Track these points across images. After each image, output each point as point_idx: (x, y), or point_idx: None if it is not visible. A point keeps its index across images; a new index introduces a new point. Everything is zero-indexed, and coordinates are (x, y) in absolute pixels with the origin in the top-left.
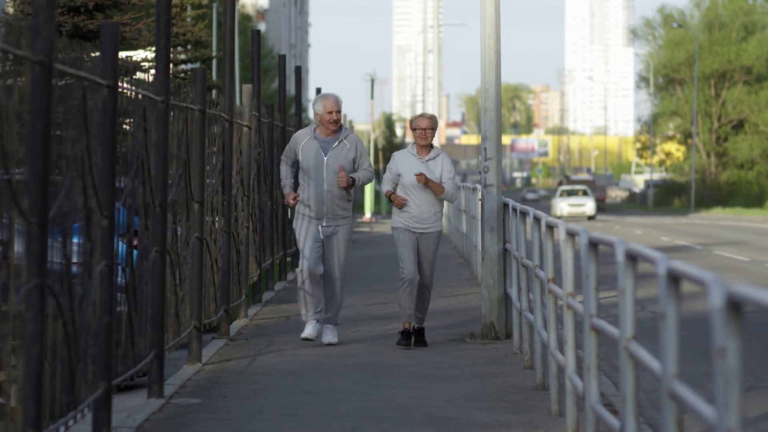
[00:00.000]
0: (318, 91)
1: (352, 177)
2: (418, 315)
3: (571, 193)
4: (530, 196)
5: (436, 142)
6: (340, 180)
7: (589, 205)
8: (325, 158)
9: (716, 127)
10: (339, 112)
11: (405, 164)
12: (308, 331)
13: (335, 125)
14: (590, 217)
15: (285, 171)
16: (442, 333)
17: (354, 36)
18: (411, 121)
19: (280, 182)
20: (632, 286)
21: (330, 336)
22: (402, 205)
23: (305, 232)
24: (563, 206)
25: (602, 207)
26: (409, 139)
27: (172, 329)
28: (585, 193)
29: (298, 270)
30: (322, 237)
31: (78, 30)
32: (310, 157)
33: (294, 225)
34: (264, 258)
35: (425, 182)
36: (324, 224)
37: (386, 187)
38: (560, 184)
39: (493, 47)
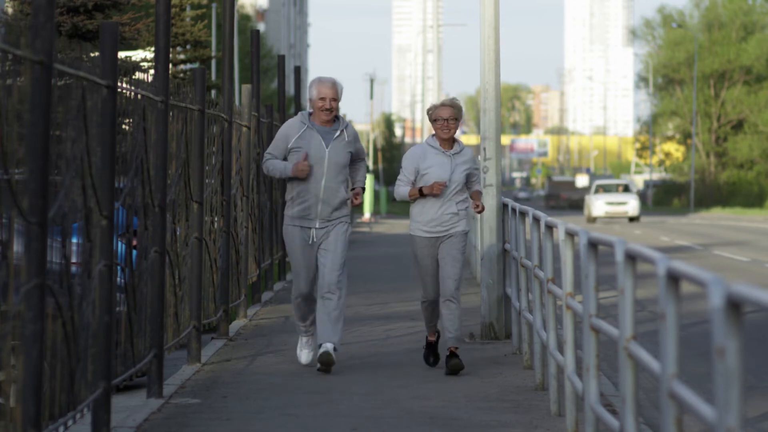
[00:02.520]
0: None
1: (360, 187)
2: (449, 335)
3: (608, 189)
4: (521, 195)
5: None
6: (356, 203)
7: (631, 204)
8: (327, 150)
9: (716, 127)
10: (335, 100)
11: (427, 161)
12: (304, 357)
13: (329, 115)
14: (633, 219)
15: (276, 160)
16: None
17: (353, 36)
18: (430, 112)
19: (275, 180)
20: (632, 286)
21: (328, 347)
22: (441, 190)
23: (296, 246)
24: (600, 205)
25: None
26: (409, 139)
27: (172, 329)
28: (626, 189)
29: (293, 298)
30: (316, 242)
31: (77, 30)
32: (308, 147)
33: (284, 233)
34: (263, 258)
35: (482, 210)
36: (317, 226)
37: (404, 189)
38: (543, 186)
39: (492, 47)
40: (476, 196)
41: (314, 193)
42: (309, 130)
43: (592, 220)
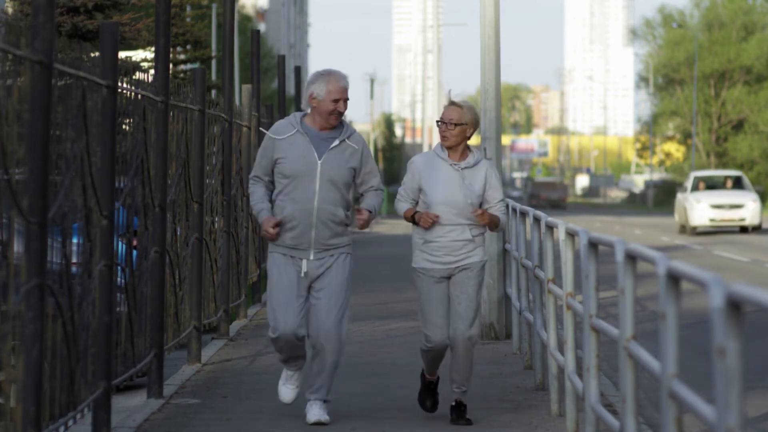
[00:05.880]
0: None
1: (368, 209)
2: (456, 389)
3: (712, 184)
4: (515, 194)
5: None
6: (361, 223)
7: (749, 208)
8: (319, 162)
9: (716, 127)
10: (347, 100)
11: (430, 174)
12: (287, 394)
13: (338, 119)
14: (747, 229)
15: (258, 193)
16: None
17: (353, 36)
18: None
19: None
20: (632, 286)
21: (317, 412)
22: (432, 224)
23: (279, 278)
24: (702, 209)
25: (563, 207)
26: (409, 139)
27: (172, 329)
28: (738, 183)
29: (269, 333)
30: (306, 279)
31: (77, 30)
32: (295, 157)
33: (267, 266)
34: (263, 258)
35: (488, 222)
36: (311, 257)
37: (404, 205)
38: (525, 186)
39: (492, 47)
40: (486, 214)
41: (305, 217)
42: (299, 136)
43: (692, 230)
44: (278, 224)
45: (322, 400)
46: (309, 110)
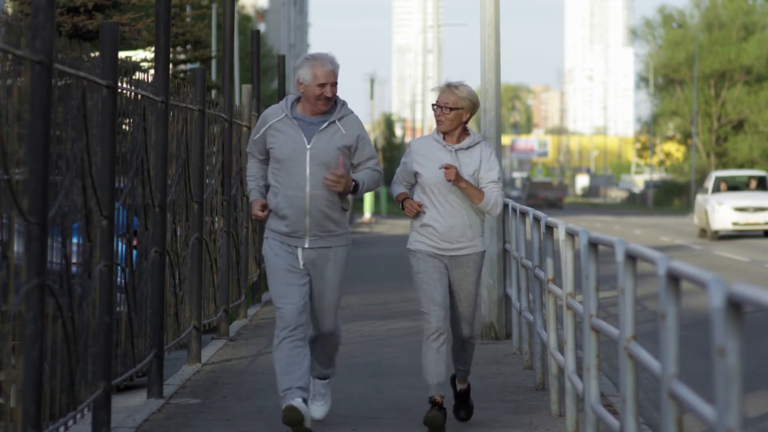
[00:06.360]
0: None
1: (353, 179)
2: (460, 367)
3: (734, 185)
4: (514, 194)
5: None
6: (331, 181)
7: None
8: (308, 146)
9: (716, 127)
10: (336, 84)
11: (425, 156)
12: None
13: (328, 104)
14: None
15: (252, 169)
16: None
17: (353, 36)
18: None
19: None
20: (632, 286)
21: (319, 409)
22: (417, 214)
23: (277, 265)
24: (725, 212)
25: (561, 206)
26: (409, 139)
27: (172, 329)
28: (762, 185)
29: (277, 329)
30: (303, 266)
31: (77, 30)
32: (284, 143)
33: (263, 251)
34: (263, 258)
35: (455, 180)
36: (307, 245)
37: (398, 188)
38: (524, 186)
39: (492, 47)
40: (454, 170)
41: (298, 204)
42: (288, 121)
43: (713, 234)
44: (265, 206)
45: (325, 376)
46: (296, 96)
